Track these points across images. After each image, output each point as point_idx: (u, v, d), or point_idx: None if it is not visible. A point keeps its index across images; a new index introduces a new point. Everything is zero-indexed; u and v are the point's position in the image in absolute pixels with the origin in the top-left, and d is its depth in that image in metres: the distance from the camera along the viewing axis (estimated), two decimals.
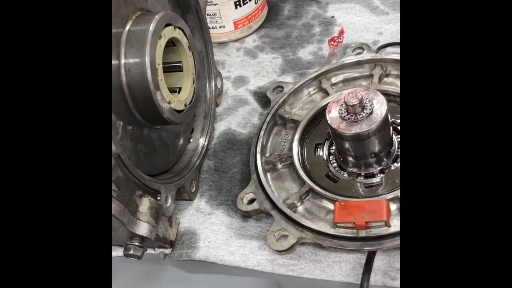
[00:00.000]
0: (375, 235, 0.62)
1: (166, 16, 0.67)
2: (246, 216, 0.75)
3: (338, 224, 0.64)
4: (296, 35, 1.05)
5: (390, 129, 0.70)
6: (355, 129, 0.64)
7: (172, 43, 0.71)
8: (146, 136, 0.71)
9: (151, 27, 0.63)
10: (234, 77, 0.99)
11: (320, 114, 0.79)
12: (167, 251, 0.72)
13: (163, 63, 0.67)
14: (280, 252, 0.66)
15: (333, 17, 1.05)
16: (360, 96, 0.65)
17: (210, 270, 0.70)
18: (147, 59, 0.62)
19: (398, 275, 0.62)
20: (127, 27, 0.64)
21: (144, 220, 0.62)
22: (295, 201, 0.70)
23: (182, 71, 0.75)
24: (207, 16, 0.93)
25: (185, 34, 0.73)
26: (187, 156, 0.82)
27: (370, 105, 0.65)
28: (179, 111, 0.71)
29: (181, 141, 0.82)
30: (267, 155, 0.79)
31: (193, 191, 0.78)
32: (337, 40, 1.01)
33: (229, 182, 0.80)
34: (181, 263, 0.72)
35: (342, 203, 0.64)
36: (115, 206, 0.56)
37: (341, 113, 0.66)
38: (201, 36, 0.86)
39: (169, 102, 0.67)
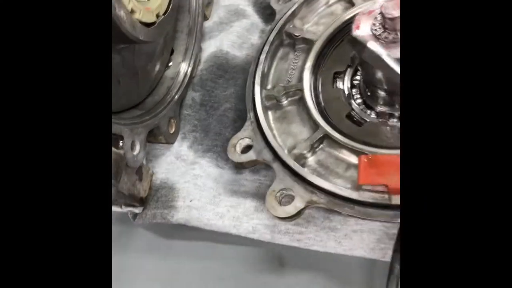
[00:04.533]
0: None
1: None
2: (239, 167, 0.68)
3: (363, 187, 0.56)
4: None
5: None
6: (394, 52, 0.56)
7: None
8: None
9: None
10: None
11: (342, 32, 0.71)
12: (137, 210, 0.65)
13: None
14: (283, 219, 0.60)
15: None
16: None
17: (192, 236, 0.66)
18: None
19: None
20: None
21: None
22: (305, 151, 0.63)
23: None
24: None
25: None
26: (165, 86, 0.74)
27: None
28: (148, 24, 0.61)
29: (157, 67, 0.73)
30: (269, 87, 0.72)
31: (171, 132, 0.72)
32: None
33: (219, 122, 0.74)
34: (155, 226, 0.67)
35: (370, 157, 0.57)
36: None
37: (375, 29, 0.58)
38: None
39: (131, 11, 0.57)
